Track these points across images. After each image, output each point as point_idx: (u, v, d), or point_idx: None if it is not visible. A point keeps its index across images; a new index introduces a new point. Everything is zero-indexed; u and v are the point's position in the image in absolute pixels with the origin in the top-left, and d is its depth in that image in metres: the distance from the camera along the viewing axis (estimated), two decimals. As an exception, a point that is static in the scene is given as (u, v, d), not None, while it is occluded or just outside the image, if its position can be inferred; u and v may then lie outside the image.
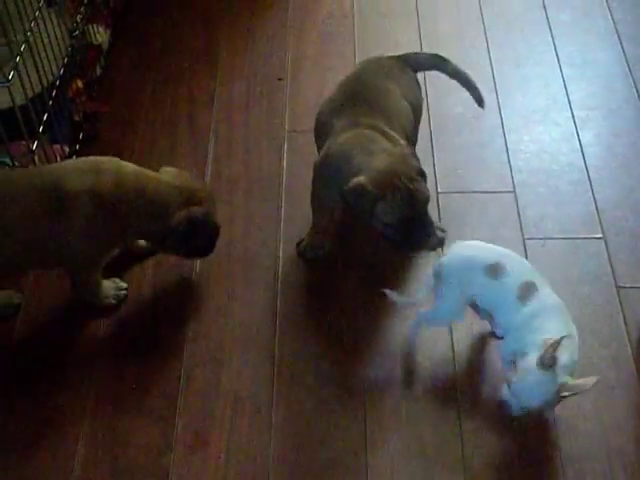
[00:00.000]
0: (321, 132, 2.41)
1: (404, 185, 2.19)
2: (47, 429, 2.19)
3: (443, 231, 2.47)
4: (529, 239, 2.51)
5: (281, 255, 2.52)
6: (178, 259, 2.46)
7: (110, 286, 2.41)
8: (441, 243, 2.41)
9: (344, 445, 2.14)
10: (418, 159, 2.29)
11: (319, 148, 2.42)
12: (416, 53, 2.64)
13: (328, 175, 2.32)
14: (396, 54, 2.56)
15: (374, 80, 2.43)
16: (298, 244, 2.51)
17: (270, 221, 2.60)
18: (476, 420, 2.15)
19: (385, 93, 2.41)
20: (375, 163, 2.21)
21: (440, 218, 2.56)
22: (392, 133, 2.31)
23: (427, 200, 2.24)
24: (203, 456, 2.13)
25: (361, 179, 2.19)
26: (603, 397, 2.19)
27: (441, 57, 2.56)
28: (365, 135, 2.28)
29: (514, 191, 2.64)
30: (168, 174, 2.32)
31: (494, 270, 2.11)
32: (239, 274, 2.49)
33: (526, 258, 2.44)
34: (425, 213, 2.25)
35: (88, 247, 2.25)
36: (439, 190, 2.62)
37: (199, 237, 2.32)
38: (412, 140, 2.46)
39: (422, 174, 2.26)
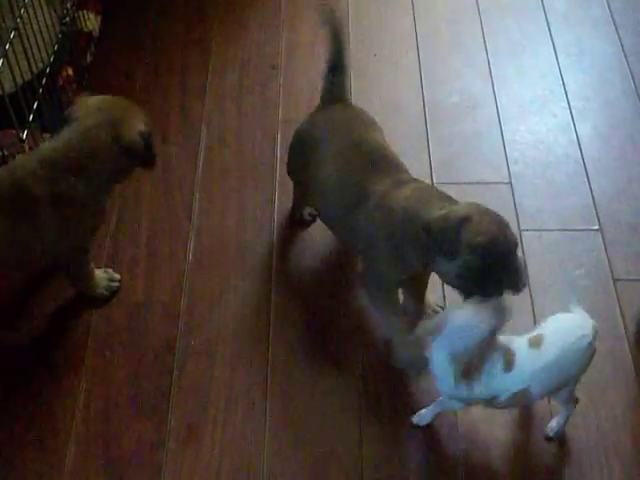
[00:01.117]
0: (349, 203, 2.18)
1: (492, 215, 2.03)
2: (37, 424, 2.16)
3: (440, 307, 2.34)
4: (525, 230, 2.49)
5: (275, 244, 2.50)
6: (172, 248, 2.45)
7: (103, 277, 2.38)
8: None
9: (339, 439, 2.11)
10: None
11: (337, 227, 2.29)
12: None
13: (402, 232, 2.08)
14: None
15: (366, 136, 2.25)
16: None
17: (264, 210, 2.57)
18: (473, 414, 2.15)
19: (382, 144, 2.26)
20: (455, 206, 2.05)
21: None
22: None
23: (516, 243, 2.04)
24: (196, 450, 2.11)
25: (445, 212, 2.02)
26: (600, 391, 2.18)
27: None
28: (424, 187, 2.16)
29: (510, 182, 2.61)
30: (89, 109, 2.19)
31: None
32: (233, 264, 2.46)
33: (522, 250, 2.43)
34: (515, 253, 2.03)
35: (69, 233, 2.21)
36: (434, 181, 2.59)
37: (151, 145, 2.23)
38: None
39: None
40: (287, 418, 2.16)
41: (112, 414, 2.17)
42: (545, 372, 1.94)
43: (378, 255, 2.13)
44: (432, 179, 2.60)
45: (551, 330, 1.99)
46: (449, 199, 2.07)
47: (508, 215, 2.45)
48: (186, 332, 2.32)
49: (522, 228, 2.49)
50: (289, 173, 2.46)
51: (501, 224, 2.00)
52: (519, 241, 2.11)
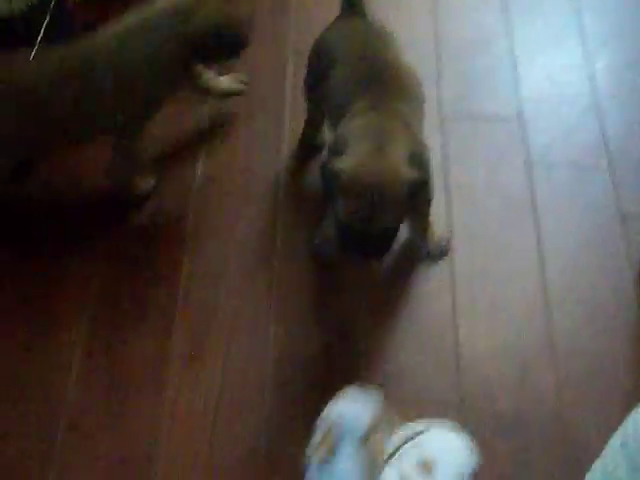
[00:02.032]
0: (335, 112, 2.19)
1: (371, 200, 1.96)
2: (42, 339, 2.19)
3: (446, 239, 2.36)
4: (535, 166, 2.48)
5: (283, 171, 2.49)
6: (180, 172, 2.46)
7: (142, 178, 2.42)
8: (442, 254, 2.33)
9: (339, 365, 2.14)
10: (426, 162, 2.08)
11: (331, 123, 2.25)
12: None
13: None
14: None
15: (383, 51, 2.21)
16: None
17: (273, 139, 2.56)
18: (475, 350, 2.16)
19: (397, 64, 2.20)
20: (370, 153, 1.99)
21: (444, 144, 2.53)
22: (414, 124, 2.11)
23: (384, 230, 2.04)
24: (199, 372, 2.13)
25: (344, 166, 1.98)
26: (602, 325, 2.19)
27: None
28: (383, 122, 2.06)
29: (521, 118, 2.59)
30: None
31: None
32: (240, 190, 2.46)
33: (531, 186, 2.44)
34: (376, 235, 2.04)
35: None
36: (443, 115, 2.58)
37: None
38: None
39: (415, 187, 1.99)
40: (290, 342, 2.17)
41: (117, 332, 2.20)
42: None
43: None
44: (442, 114, 2.59)
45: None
46: (390, 141, 2.01)
47: (518, 151, 2.51)
48: (192, 255, 2.33)
49: (532, 163, 2.48)
50: (306, 89, 2.42)
51: (369, 219, 1.98)
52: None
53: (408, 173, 1.97)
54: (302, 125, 2.52)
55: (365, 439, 1.68)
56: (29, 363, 2.15)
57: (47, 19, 2.46)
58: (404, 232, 2.30)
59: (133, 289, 2.27)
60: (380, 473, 1.65)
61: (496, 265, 2.30)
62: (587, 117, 2.60)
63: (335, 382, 2.04)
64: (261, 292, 2.26)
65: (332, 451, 1.67)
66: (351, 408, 1.71)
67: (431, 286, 2.27)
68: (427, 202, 2.21)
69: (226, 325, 2.20)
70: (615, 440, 1.35)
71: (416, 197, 2.01)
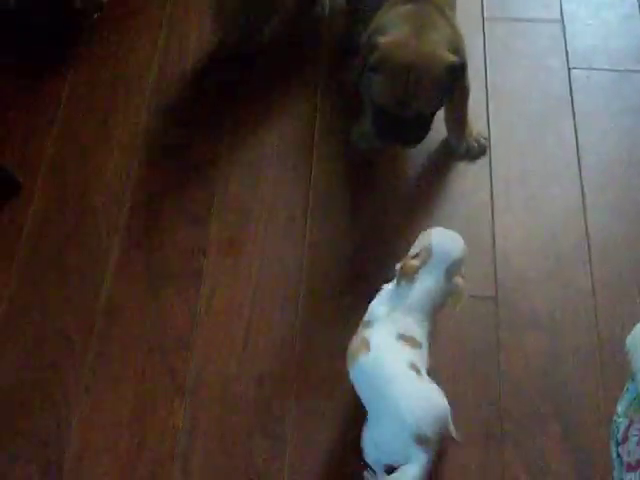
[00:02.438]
0: (372, 4, 2.16)
1: (407, 79, 1.97)
2: (83, 225, 2.22)
3: (484, 138, 2.34)
4: (574, 69, 2.46)
5: (322, 75, 2.48)
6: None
7: None
8: (480, 152, 2.31)
9: (373, 259, 2.15)
10: (462, 50, 2.06)
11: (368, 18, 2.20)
12: None
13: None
14: None
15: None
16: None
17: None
18: (509, 240, 2.17)
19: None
20: (409, 35, 1.99)
21: (485, 45, 2.52)
22: (447, 13, 2.09)
23: (417, 116, 2.04)
24: (236, 261, 2.15)
25: (383, 40, 1.99)
26: (637, 226, 2.19)
27: None
28: (420, 10, 2.05)
29: (562, 21, 2.57)
30: None
31: None
32: (278, 87, 2.46)
33: (570, 89, 2.43)
34: (410, 120, 2.05)
35: None
36: (485, 16, 2.56)
37: None
38: None
39: (453, 70, 1.99)
40: (325, 238, 2.19)
41: (154, 222, 2.22)
42: None
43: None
44: (483, 13, 2.57)
45: None
46: (428, 27, 2.01)
47: (557, 53, 2.50)
48: (230, 147, 2.34)
49: (571, 66, 2.47)
50: None
51: (405, 97, 1.98)
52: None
53: (446, 55, 1.98)
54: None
55: (449, 272, 1.81)
56: (69, 250, 2.18)
57: None
58: (443, 130, 2.32)
59: (170, 178, 2.30)
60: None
61: (533, 165, 2.30)
62: (629, 21, 2.57)
63: (369, 275, 2.10)
64: (298, 186, 2.27)
65: (422, 265, 1.81)
66: (444, 241, 1.84)
67: (468, 185, 2.27)
68: (464, 93, 2.20)
69: (263, 217, 2.22)
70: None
71: (453, 82, 2.01)
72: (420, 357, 1.78)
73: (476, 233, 2.18)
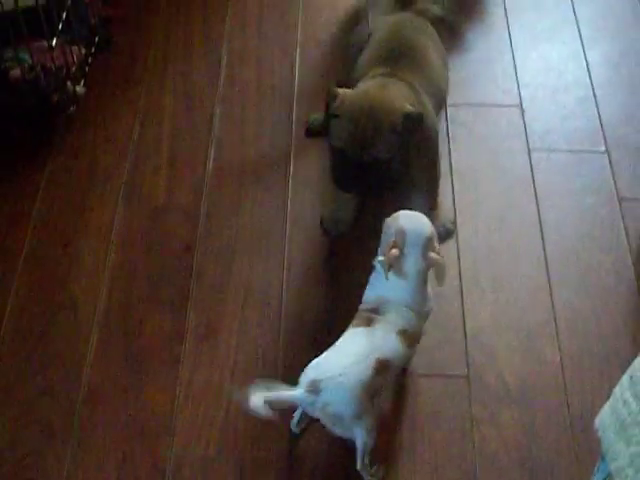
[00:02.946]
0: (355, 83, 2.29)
1: (364, 123, 2.09)
2: (62, 315, 2.25)
3: (452, 223, 2.43)
4: (534, 150, 2.57)
5: (292, 155, 2.58)
6: (192, 156, 2.56)
7: None
8: (447, 236, 2.40)
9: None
10: (419, 120, 2.13)
11: None
12: (427, 8, 2.54)
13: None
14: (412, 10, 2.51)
15: (413, 36, 2.37)
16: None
17: (281, 124, 2.64)
18: (479, 319, 2.24)
19: (424, 51, 2.35)
20: (369, 87, 2.17)
21: (449, 129, 2.62)
22: (423, 96, 2.24)
23: (376, 162, 2.12)
24: (214, 345, 2.20)
25: (342, 91, 2.14)
26: (602, 301, 2.27)
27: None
28: (389, 80, 2.21)
29: (521, 105, 2.69)
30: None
31: None
32: (250, 173, 2.55)
33: (531, 169, 2.53)
34: (369, 166, 2.13)
35: None
36: (448, 102, 2.66)
37: None
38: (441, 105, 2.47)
39: (409, 118, 2.09)
40: (301, 316, 2.25)
41: (133, 308, 2.27)
42: None
43: None
44: (446, 101, 2.66)
45: None
46: (393, 88, 2.17)
47: (518, 136, 2.60)
48: (205, 235, 2.40)
49: (531, 148, 2.58)
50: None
51: (360, 140, 2.10)
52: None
53: (404, 105, 2.10)
54: (307, 111, 2.63)
55: (425, 250, 1.94)
56: (49, 338, 2.22)
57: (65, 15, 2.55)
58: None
59: (146, 266, 2.35)
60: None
61: (499, 243, 2.38)
62: (584, 104, 2.70)
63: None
64: (272, 267, 2.34)
65: (401, 253, 1.92)
66: (413, 222, 1.95)
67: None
68: (430, 160, 2.33)
69: (239, 301, 2.27)
70: (624, 378, 1.42)
71: (410, 131, 2.11)
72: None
73: (446, 312, 2.25)
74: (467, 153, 2.58)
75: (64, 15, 2.58)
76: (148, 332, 2.23)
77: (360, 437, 1.87)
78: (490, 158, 2.57)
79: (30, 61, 2.50)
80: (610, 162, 2.55)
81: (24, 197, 2.49)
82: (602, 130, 2.63)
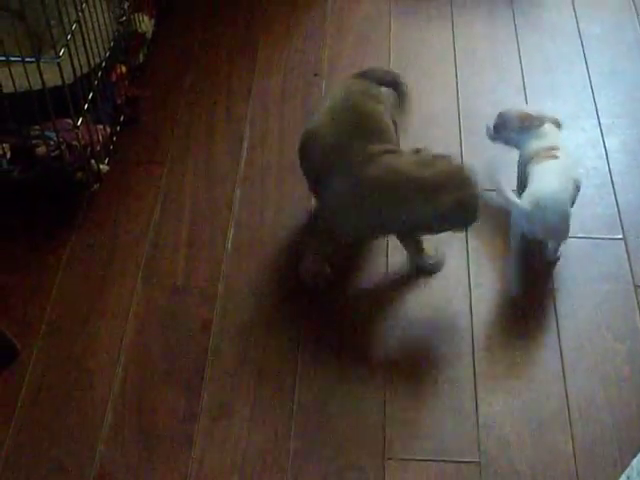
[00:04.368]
0: (323, 168, 2.40)
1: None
2: (77, 392, 2.28)
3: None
4: (551, 238, 2.60)
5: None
6: (211, 237, 2.61)
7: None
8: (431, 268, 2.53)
9: (363, 422, 2.21)
10: None
11: (316, 183, 2.46)
12: (374, 69, 2.64)
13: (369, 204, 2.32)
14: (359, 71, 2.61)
15: (366, 106, 2.44)
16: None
17: (300, 209, 2.68)
18: (492, 406, 2.24)
19: (379, 117, 2.44)
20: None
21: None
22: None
23: None
24: (227, 427, 2.20)
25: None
26: (617, 389, 2.26)
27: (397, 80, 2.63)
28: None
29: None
30: None
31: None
32: (269, 256, 2.58)
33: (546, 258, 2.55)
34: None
35: None
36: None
37: None
38: None
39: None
40: (314, 401, 2.25)
41: (148, 388, 2.28)
42: None
43: None
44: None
45: None
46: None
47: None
48: (222, 316, 2.42)
49: (548, 235, 2.60)
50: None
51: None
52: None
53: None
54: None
55: None
56: (65, 412, 2.24)
57: (91, 94, 2.61)
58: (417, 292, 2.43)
59: (163, 344, 2.38)
60: None
61: (515, 330, 2.39)
62: (602, 191, 2.72)
63: (354, 443, 2.17)
64: (286, 351, 2.35)
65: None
66: None
67: (451, 352, 2.36)
68: None
69: (252, 383, 2.29)
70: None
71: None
72: None
73: (459, 398, 2.25)
74: (485, 236, 2.61)
75: (90, 95, 2.64)
76: (162, 411, 2.24)
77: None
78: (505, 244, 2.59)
79: (56, 139, 2.56)
80: (627, 249, 2.57)
81: (45, 272, 2.53)
82: (619, 217, 2.65)
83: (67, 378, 2.30)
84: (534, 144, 2.53)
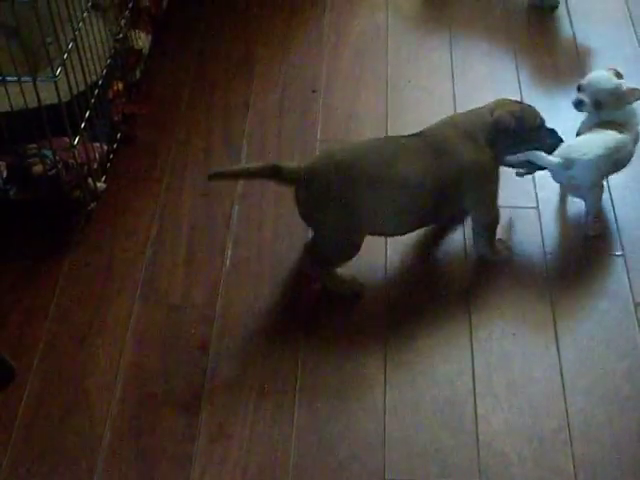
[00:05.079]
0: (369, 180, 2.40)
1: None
2: (75, 412, 2.26)
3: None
4: (549, 254, 2.59)
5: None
6: (210, 255, 2.60)
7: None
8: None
9: (363, 441, 2.20)
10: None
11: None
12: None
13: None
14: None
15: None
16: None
17: (299, 226, 2.66)
18: (492, 425, 2.23)
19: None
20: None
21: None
22: None
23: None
24: (226, 447, 2.19)
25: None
26: (617, 408, 2.25)
27: None
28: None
29: (537, 207, 2.71)
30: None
31: None
32: (267, 273, 2.57)
33: (546, 271, 2.54)
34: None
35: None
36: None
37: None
38: None
39: None
40: (314, 420, 2.24)
41: (146, 408, 2.27)
42: None
43: None
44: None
45: None
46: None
47: (535, 238, 2.61)
48: (220, 335, 2.41)
49: (547, 250, 2.59)
50: None
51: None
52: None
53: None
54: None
55: None
56: (62, 434, 2.22)
57: (88, 112, 2.60)
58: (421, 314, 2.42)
59: (161, 365, 2.36)
60: None
61: (514, 348, 2.38)
62: (602, 206, 2.71)
63: (360, 457, 2.16)
64: (285, 371, 2.34)
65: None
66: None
67: (451, 370, 2.35)
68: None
69: (252, 402, 2.27)
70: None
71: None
72: None
73: (459, 416, 2.24)
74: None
75: (87, 113, 2.63)
76: (160, 431, 2.22)
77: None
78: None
79: (52, 157, 2.55)
80: (626, 266, 2.56)
81: (42, 291, 2.52)
82: (618, 233, 2.64)
83: (65, 398, 2.29)
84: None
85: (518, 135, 2.50)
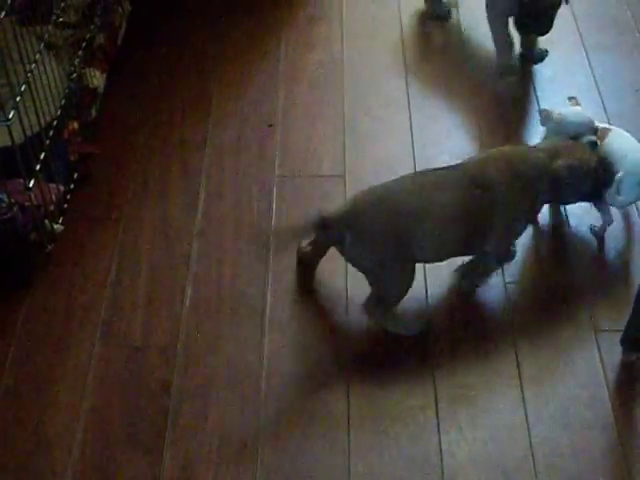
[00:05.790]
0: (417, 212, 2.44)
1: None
2: (36, 458, 2.23)
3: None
4: (509, 283, 2.60)
5: (269, 296, 2.59)
6: (169, 295, 2.57)
7: None
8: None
9: (328, 478, 2.19)
10: None
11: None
12: None
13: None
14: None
15: None
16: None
17: (259, 263, 2.66)
18: (456, 457, 2.23)
19: None
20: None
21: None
22: None
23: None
24: (191, 488, 2.18)
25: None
26: (580, 436, 2.26)
27: None
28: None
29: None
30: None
31: None
32: (228, 312, 2.55)
33: (508, 304, 2.55)
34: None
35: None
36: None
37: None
38: None
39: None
40: (279, 459, 2.23)
41: (109, 451, 2.24)
42: None
43: None
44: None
45: None
46: None
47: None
48: (182, 375, 2.39)
49: (507, 281, 2.60)
50: None
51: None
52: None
53: None
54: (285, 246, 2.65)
55: None
56: (23, 483, 2.20)
57: (43, 154, 2.58)
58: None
59: (122, 410, 2.34)
60: None
61: (476, 379, 2.38)
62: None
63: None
64: (248, 409, 2.32)
65: None
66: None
67: (414, 403, 2.34)
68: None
69: (215, 444, 2.25)
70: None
71: None
72: None
73: (424, 451, 2.23)
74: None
75: (42, 154, 2.61)
76: (124, 474, 2.20)
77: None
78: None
79: (7, 200, 2.53)
80: (586, 293, 2.58)
81: (2, 334, 2.49)
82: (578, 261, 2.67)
83: (25, 444, 2.26)
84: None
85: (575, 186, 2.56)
